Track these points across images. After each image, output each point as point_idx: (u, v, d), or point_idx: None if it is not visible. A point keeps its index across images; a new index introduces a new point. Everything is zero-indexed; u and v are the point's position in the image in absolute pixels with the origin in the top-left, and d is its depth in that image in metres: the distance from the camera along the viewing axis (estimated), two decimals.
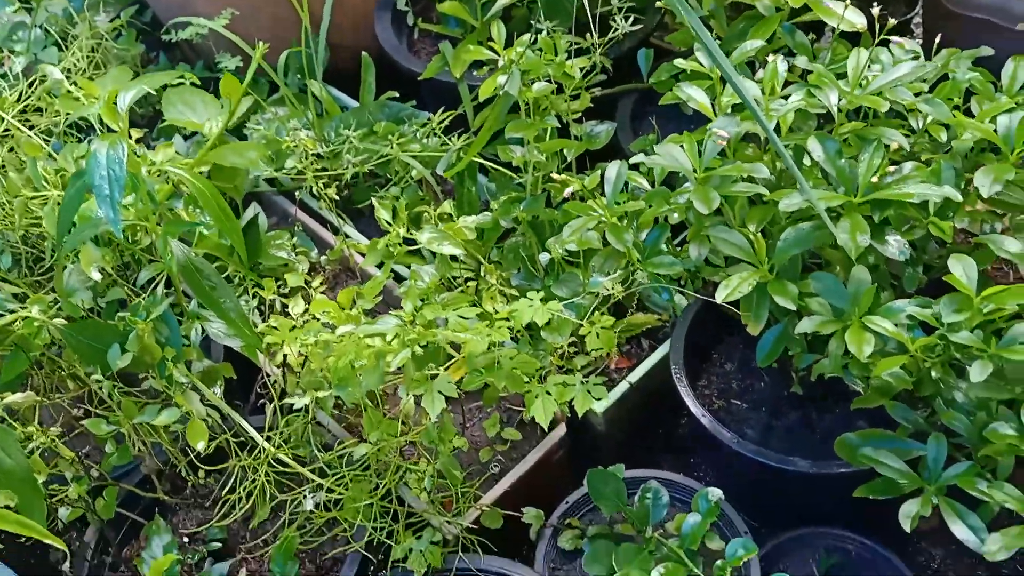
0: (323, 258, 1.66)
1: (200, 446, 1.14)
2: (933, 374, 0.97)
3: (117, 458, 1.29)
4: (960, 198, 0.96)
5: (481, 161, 1.53)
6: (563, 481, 1.41)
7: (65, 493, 1.21)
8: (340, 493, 1.17)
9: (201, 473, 1.36)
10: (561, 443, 1.41)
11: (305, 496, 1.16)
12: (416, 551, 1.20)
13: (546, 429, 1.20)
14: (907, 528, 0.97)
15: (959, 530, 0.95)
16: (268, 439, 1.19)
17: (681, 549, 1.14)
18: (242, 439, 1.23)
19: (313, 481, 1.16)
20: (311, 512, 1.20)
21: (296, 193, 1.72)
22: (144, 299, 1.20)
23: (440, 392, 1.10)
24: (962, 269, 0.94)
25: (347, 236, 1.64)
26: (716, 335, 1.53)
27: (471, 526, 1.26)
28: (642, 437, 1.57)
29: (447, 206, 1.33)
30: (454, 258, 1.48)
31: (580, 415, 1.42)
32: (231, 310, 1.16)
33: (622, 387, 1.44)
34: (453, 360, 1.20)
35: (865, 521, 1.32)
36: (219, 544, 1.30)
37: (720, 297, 1.03)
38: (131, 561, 1.33)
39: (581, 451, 1.46)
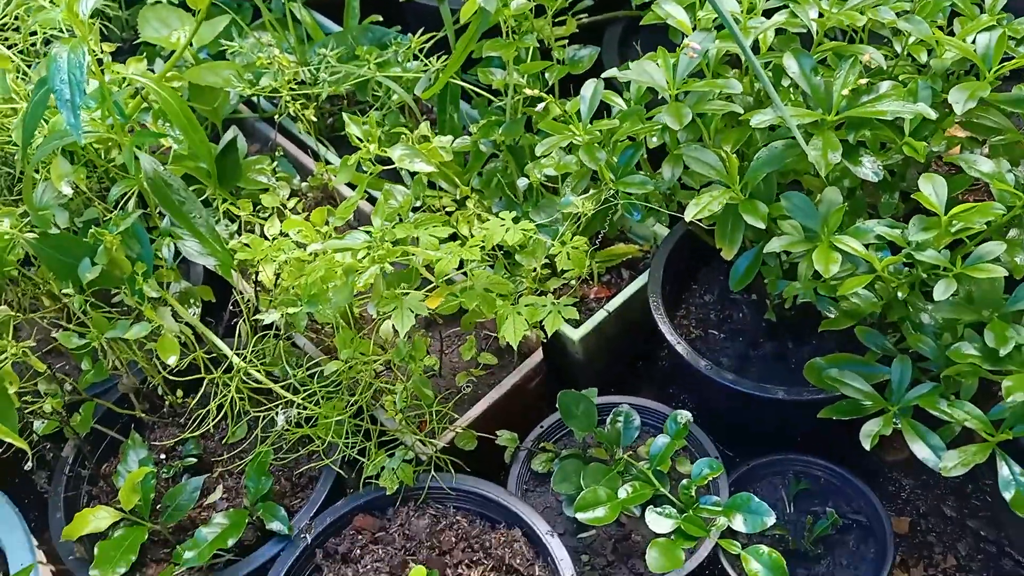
0: (304, 184, 1.65)
1: (171, 360, 1.14)
2: (900, 295, 0.97)
3: (93, 375, 1.30)
4: (933, 115, 0.94)
5: (463, 85, 1.51)
6: (539, 408, 1.41)
7: (40, 406, 1.22)
8: (313, 411, 1.17)
9: (179, 393, 1.38)
10: (537, 370, 1.41)
11: (277, 412, 1.17)
12: (388, 468, 1.21)
13: (515, 349, 1.20)
14: (866, 446, 0.98)
15: (919, 449, 0.96)
16: (240, 356, 1.19)
17: (650, 470, 1.15)
18: (215, 356, 1.23)
19: (284, 398, 1.16)
20: (284, 429, 1.21)
21: (276, 118, 1.71)
22: (115, 215, 1.19)
23: (410, 310, 1.10)
24: (932, 188, 0.93)
25: (328, 163, 1.63)
26: (695, 266, 1.53)
27: (445, 447, 1.27)
28: (620, 367, 1.58)
29: (424, 128, 1.31)
30: (433, 185, 1.47)
31: (556, 341, 1.43)
32: (201, 225, 1.16)
33: (600, 315, 1.44)
34: (431, 286, 1.19)
35: (835, 450, 1.33)
36: (194, 459, 1.31)
37: (689, 215, 1.02)
38: (109, 477, 1.34)
39: (558, 380, 1.46)
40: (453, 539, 1.22)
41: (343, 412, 1.15)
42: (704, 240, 1.37)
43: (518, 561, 1.18)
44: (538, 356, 1.41)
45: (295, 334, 1.37)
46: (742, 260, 1.17)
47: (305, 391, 1.17)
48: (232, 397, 1.17)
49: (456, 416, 1.31)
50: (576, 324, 1.42)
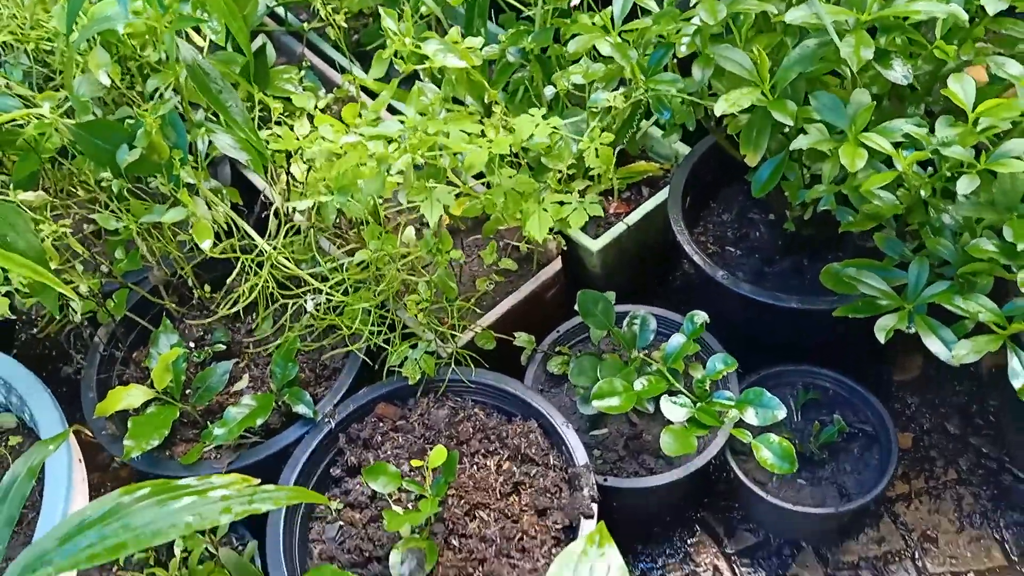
0: (330, 96, 1.66)
1: (206, 245, 1.17)
2: (923, 193, 0.99)
3: (127, 264, 1.33)
4: (965, 15, 0.95)
5: None
6: (556, 317, 1.45)
7: (76, 286, 1.25)
8: (340, 299, 1.20)
9: (207, 288, 1.41)
10: (556, 279, 1.44)
11: (305, 300, 1.20)
12: (411, 359, 1.24)
13: (534, 259, 1.22)
14: (881, 339, 1.01)
15: (932, 343, 0.99)
16: (271, 246, 1.22)
17: (664, 367, 1.19)
18: (245, 245, 1.26)
19: (313, 286, 1.20)
20: (311, 317, 1.25)
21: (303, 31, 1.72)
22: (152, 104, 1.21)
23: (439, 201, 1.12)
24: (960, 87, 0.95)
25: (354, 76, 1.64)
26: (715, 186, 1.55)
27: (464, 347, 1.31)
28: (637, 281, 1.61)
29: (454, 33, 1.33)
30: (458, 101, 1.49)
31: (575, 253, 1.46)
32: (237, 115, 1.18)
33: (619, 228, 1.46)
34: (457, 191, 1.22)
35: (845, 365, 1.36)
36: (223, 346, 1.35)
37: (719, 110, 1.04)
38: (140, 363, 1.39)
39: (576, 292, 1.49)
40: (471, 430, 1.26)
41: (370, 300, 1.19)
42: (727, 155, 1.39)
43: (533, 451, 1.23)
44: (557, 266, 1.44)
45: (321, 238, 1.40)
46: (765, 167, 1.19)
47: (333, 281, 1.20)
48: (261, 285, 1.20)
49: (478, 313, 1.34)
50: (595, 236, 1.45)
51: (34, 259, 1.10)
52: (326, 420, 1.25)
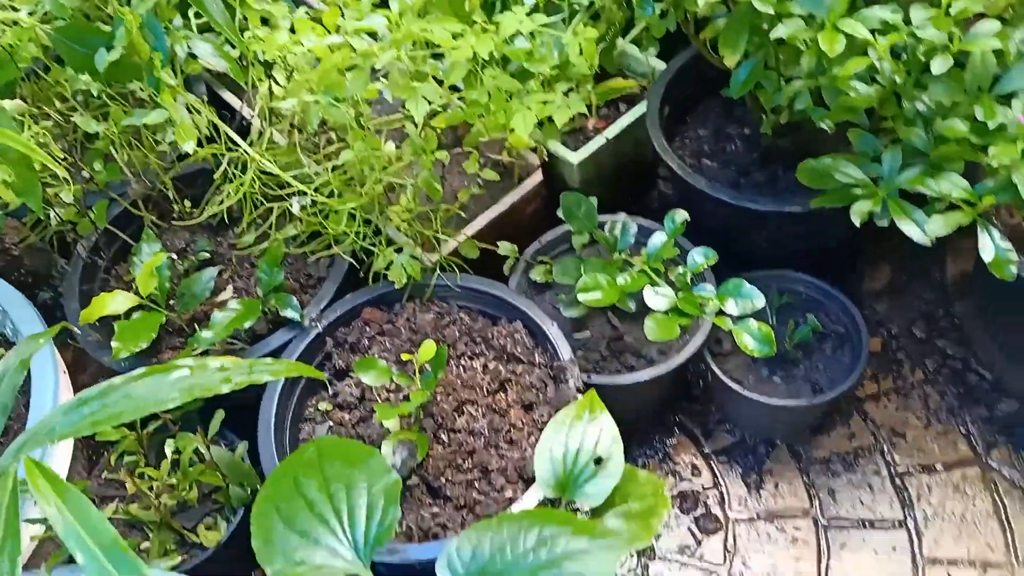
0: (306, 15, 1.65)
1: (188, 147, 1.17)
2: (897, 80, 1.02)
3: (106, 175, 1.33)
4: None
5: None
6: (537, 231, 1.46)
7: (57, 192, 1.24)
8: (326, 202, 1.21)
9: (187, 203, 1.41)
10: (536, 192, 1.46)
11: (291, 202, 1.21)
12: (397, 264, 1.26)
13: (515, 173, 1.23)
14: (856, 222, 1.04)
15: (906, 226, 1.03)
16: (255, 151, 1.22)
17: (646, 265, 1.22)
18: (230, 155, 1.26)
19: (298, 188, 1.20)
20: (297, 221, 1.25)
21: None
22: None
23: (424, 98, 1.13)
24: None
25: None
26: (691, 100, 1.57)
27: (448, 256, 1.33)
28: (615, 199, 1.63)
29: None
30: None
31: (555, 169, 1.48)
32: (218, 14, 1.17)
33: (599, 141, 1.48)
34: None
35: (818, 273, 1.41)
36: (207, 254, 1.35)
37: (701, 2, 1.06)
38: (122, 277, 1.38)
39: (556, 207, 1.51)
40: (456, 333, 1.28)
41: (355, 201, 1.19)
42: (703, 71, 1.42)
43: (519, 350, 1.25)
44: (537, 178, 1.46)
45: (302, 156, 1.40)
46: (743, 68, 1.21)
47: (319, 182, 1.20)
48: (246, 188, 1.20)
49: (462, 217, 1.36)
50: (575, 150, 1.47)
51: (17, 156, 1.09)
52: (313, 324, 1.27)
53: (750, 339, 1.11)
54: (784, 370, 1.35)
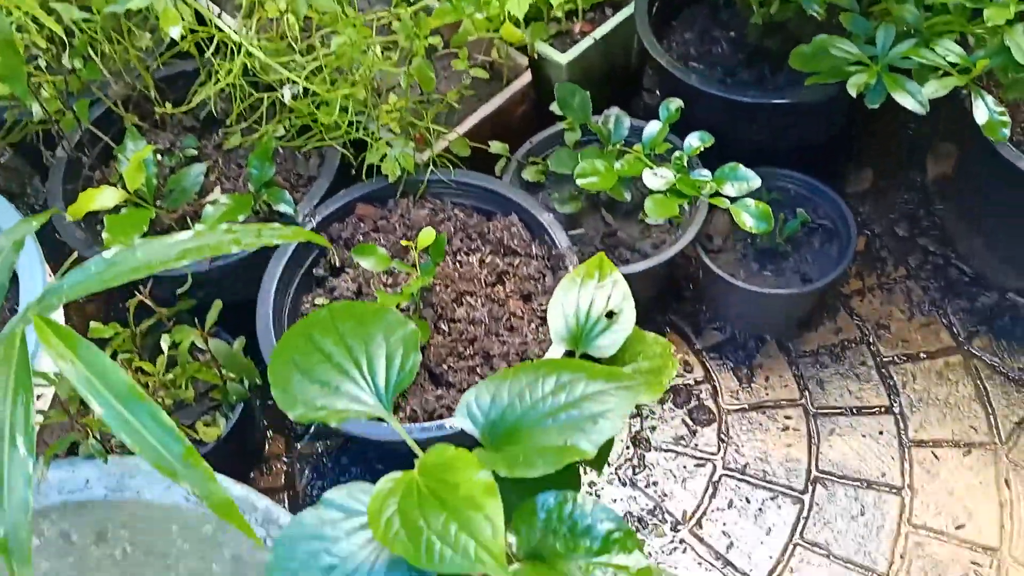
0: None
1: (175, 32, 1.14)
2: None
3: (87, 73, 1.29)
4: None
5: None
6: (527, 134, 1.46)
7: (39, 83, 1.21)
8: (317, 90, 1.19)
9: (168, 105, 1.38)
10: (525, 93, 1.45)
11: (281, 91, 1.19)
12: (390, 156, 1.25)
13: (503, 74, 1.22)
14: (852, 93, 1.05)
15: (902, 97, 1.04)
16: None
17: (643, 152, 1.22)
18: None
19: (288, 76, 1.18)
20: (286, 120, 1.23)
21: None
22: None
23: None
24: None
25: None
26: (677, 4, 1.57)
27: (439, 155, 1.32)
28: (602, 102, 1.63)
29: None
30: None
31: (544, 72, 1.47)
32: None
33: (587, 42, 1.48)
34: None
35: (807, 172, 1.42)
36: (194, 151, 1.33)
37: None
38: (108, 180, 1.35)
39: (545, 111, 1.51)
40: (452, 229, 1.28)
41: (348, 89, 1.18)
42: None
43: (516, 243, 1.25)
44: (526, 79, 1.45)
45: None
46: None
47: (310, 68, 1.18)
48: (235, 75, 1.18)
49: (454, 107, 1.35)
50: (563, 52, 1.47)
51: (2, 39, 1.06)
52: (306, 220, 1.25)
53: (748, 217, 1.12)
54: (774, 264, 1.37)
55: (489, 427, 0.77)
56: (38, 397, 1.18)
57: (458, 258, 1.26)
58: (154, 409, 0.74)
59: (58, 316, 1.19)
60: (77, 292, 0.81)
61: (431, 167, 1.28)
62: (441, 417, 1.11)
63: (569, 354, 0.88)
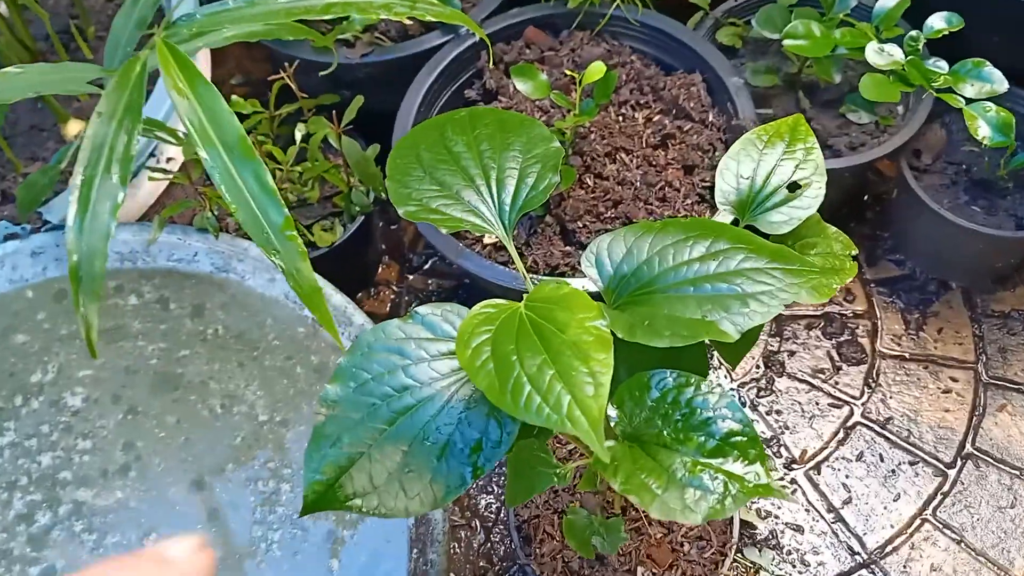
0: None
1: None
2: None
3: None
4: None
5: None
6: None
7: None
8: None
9: None
10: None
11: None
12: None
13: None
14: None
15: None
16: None
17: (870, 28, 1.02)
18: None
19: None
20: None
21: None
22: None
23: None
24: None
25: None
26: None
27: None
28: None
29: None
30: None
31: None
32: None
33: None
34: None
35: None
36: None
37: None
38: None
39: None
40: (624, 77, 1.13)
41: None
42: None
43: (692, 105, 1.10)
44: None
45: None
46: None
47: None
48: None
49: None
50: None
51: None
52: (470, 33, 1.13)
53: (984, 125, 0.91)
54: (987, 199, 1.15)
55: (616, 282, 0.65)
56: (168, 160, 1.15)
57: (623, 110, 1.12)
58: (260, 169, 0.66)
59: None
60: (212, 24, 0.73)
61: (617, 0, 1.13)
62: (563, 275, 1.00)
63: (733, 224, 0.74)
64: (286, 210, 0.64)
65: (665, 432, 0.61)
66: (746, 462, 0.59)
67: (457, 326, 0.62)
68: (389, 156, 0.69)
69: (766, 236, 0.69)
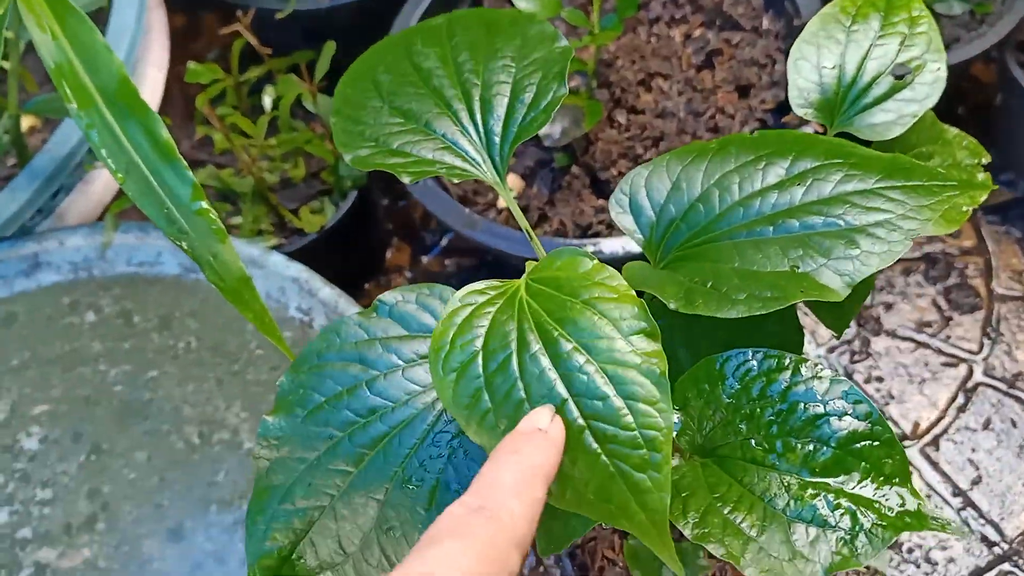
0: None
1: None
2: None
3: None
4: None
5: None
6: None
7: None
8: None
9: None
10: None
11: None
12: None
13: None
14: None
15: None
16: None
17: None
18: None
19: None
20: None
21: None
22: None
23: None
24: None
25: None
26: None
27: None
28: None
29: None
30: None
31: None
32: None
33: None
34: None
35: None
36: None
37: None
38: None
39: None
40: None
41: None
42: None
43: (740, 11, 0.89)
44: None
45: None
46: None
47: None
48: None
49: None
50: None
51: None
52: None
53: None
54: None
55: (662, 231, 0.46)
56: None
57: (655, 29, 0.91)
58: (153, 122, 0.48)
59: (157, 75, 0.95)
60: None
61: None
62: (598, 236, 0.80)
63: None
64: (191, 175, 0.46)
65: (753, 441, 0.42)
66: (880, 479, 0.40)
67: (440, 315, 0.43)
68: (337, 87, 0.50)
69: (867, 144, 0.49)
